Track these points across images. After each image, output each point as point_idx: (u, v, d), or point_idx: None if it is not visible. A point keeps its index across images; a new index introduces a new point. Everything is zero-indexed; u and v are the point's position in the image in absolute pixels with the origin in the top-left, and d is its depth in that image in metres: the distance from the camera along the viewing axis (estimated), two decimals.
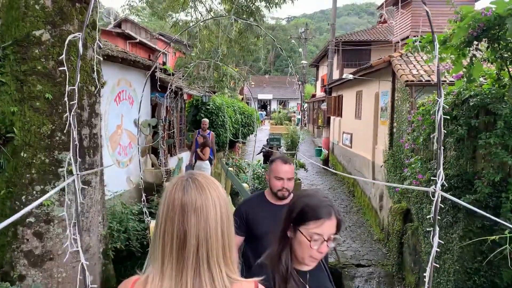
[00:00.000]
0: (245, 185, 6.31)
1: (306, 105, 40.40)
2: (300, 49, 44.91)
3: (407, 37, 16.01)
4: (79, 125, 4.92)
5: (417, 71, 9.07)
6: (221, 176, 9.40)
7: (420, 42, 5.65)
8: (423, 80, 8.65)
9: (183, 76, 9.28)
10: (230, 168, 8.05)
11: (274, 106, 61.67)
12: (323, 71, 31.01)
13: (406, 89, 8.89)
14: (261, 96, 59.08)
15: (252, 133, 16.44)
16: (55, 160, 4.76)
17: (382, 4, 19.06)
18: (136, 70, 8.74)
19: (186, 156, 12.45)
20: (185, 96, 13.26)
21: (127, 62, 7.78)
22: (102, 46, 6.08)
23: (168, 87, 7.29)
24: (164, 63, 10.43)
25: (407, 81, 8.54)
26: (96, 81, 4.93)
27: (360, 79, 13.63)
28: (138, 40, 19.25)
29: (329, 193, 15.06)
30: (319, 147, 22.09)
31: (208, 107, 12.68)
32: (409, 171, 6.14)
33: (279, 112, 44.97)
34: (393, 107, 9.92)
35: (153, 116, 9.90)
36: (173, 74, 9.94)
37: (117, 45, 10.65)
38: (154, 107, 9.95)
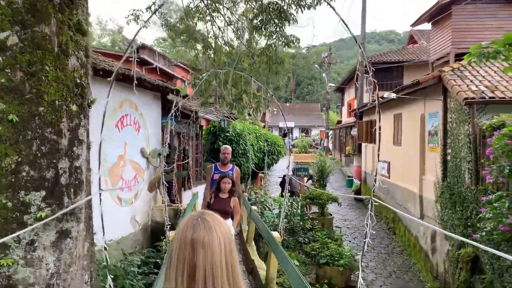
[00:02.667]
0: (275, 234, 5.00)
1: (331, 132, 39.13)
2: (324, 74, 44.04)
3: (447, 54, 14.78)
4: (54, 156, 3.82)
5: (476, 86, 7.75)
6: (244, 216, 8.14)
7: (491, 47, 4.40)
8: (487, 97, 7.32)
9: (198, 97, 8.25)
10: (253, 207, 6.82)
11: (296, 134, 60.69)
12: (349, 95, 29.82)
13: (464, 108, 7.57)
14: (282, 124, 58.42)
15: (277, 163, 15.18)
16: (20, 204, 3.60)
17: (416, 21, 17.90)
18: (144, 92, 7.72)
19: (202, 189, 11.26)
20: (203, 123, 12.21)
21: (132, 81, 6.76)
22: (90, 55, 4.98)
23: (173, 106, 6.19)
24: (176, 91, 9.43)
25: (466, 98, 7.23)
26: (80, 98, 3.82)
27: (399, 101, 12.36)
28: (154, 66, 18.51)
29: (365, 229, 13.53)
30: (349, 177, 20.64)
31: (227, 134, 11.54)
32: (490, 212, 4.75)
33: (303, 139, 43.81)
34: (445, 130, 8.57)
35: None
36: (186, 96, 8.89)
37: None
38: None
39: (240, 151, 11.80)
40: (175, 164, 8.42)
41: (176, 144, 9.03)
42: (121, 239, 6.40)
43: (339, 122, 35.90)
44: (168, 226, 6.00)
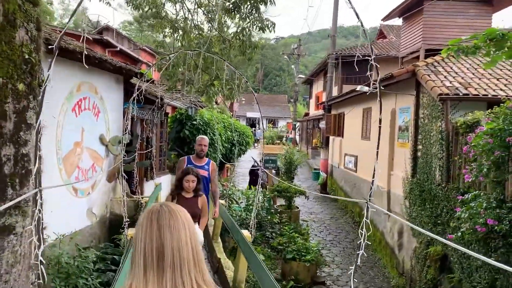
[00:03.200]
0: (245, 232, 4.67)
1: (298, 124, 39.21)
2: (293, 66, 43.98)
3: (418, 50, 14.86)
4: None
5: (450, 82, 7.70)
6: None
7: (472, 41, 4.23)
8: (460, 94, 7.27)
9: (164, 83, 7.78)
10: (221, 201, 6.47)
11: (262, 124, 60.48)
12: (317, 88, 29.84)
13: (437, 104, 7.50)
14: (250, 114, 58.19)
15: (245, 153, 14.89)
16: None
17: (387, 16, 17.93)
18: (105, 74, 7.19)
19: (166, 180, 10.81)
20: (168, 110, 11.71)
21: (91, 62, 6.24)
22: (42, 28, 4.48)
23: (135, 90, 5.72)
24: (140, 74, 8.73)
25: (440, 94, 7.15)
26: (29, 77, 3.40)
27: (369, 95, 12.30)
28: (119, 49, 17.67)
29: (331, 223, 13.52)
30: (315, 169, 20.64)
31: (194, 122, 11.10)
32: (466, 211, 4.64)
33: (270, 131, 43.72)
34: (417, 126, 8.51)
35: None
36: (152, 81, 8.42)
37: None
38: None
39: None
40: (137, 153, 7.96)
41: (138, 132, 8.56)
42: (75, 233, 5.92)
43: (306, 114, 35.97)
44: (127, 223, 5.56)
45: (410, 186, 8.51)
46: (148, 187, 9.43)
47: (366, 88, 9.47)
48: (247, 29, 5.27)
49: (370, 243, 11.33)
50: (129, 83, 8.51)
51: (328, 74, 18.64)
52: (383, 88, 8.41)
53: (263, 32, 5.53)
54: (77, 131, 6.34)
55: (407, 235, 8.82)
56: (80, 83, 6.35)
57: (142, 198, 7.96)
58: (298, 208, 12.98)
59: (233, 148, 13.53)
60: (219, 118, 12.77)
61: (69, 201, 6.13)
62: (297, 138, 38.59)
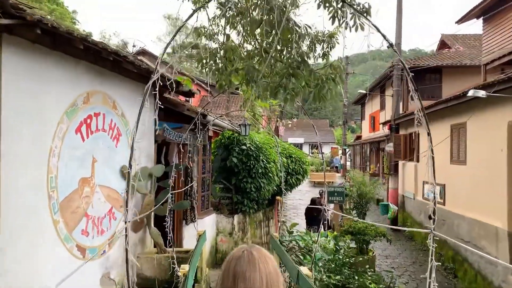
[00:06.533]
0: None
1: (348, 149, 36.57)
2: (339, 86, 41.75)
3: (509, 53, 12.36)
4: None
5: None
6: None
7: None
8: None
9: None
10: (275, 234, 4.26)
11: (305, 150, 58.39)
12: (372, 107, 27.41)
13: None
14: (291, 140, 56.31)
15: (300, 184, 12.67)
16: None
17: (463, 17, 15.56)
18: (127, 82, 5.32)
19: (210, 222, 8.74)
20: (210, 134, 9.78)
21: (103, 61, 4.36)
22: None
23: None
24: (177, 82, 6.93)
25: None
26: None
27: (458, 107, 9.92)
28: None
29: (415, 271, 10.93)
30: (378, 200, 18.01)
31: (243, 147, 9.06)
32: None
33: (315, 157, 41.33)
34: None
35: (158, 161, 6.36)
36: (192, 94, 6.50)
37: None
38: (161, 147, 6.43)
39: (260, 170, 9.28)
40: (172, 190, 5.95)
41: (175, 160, 6.59)
42: None
43: (358, 137, 33.40)
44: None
45: None
46: (188, 233, 7.39)
47: (482, 92, 7.14)
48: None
49: None
50: (162, 97, 6.62)
51: (393, 88, 16.29)
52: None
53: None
54: (84, 162, 4.41)
55: None
56: (90, 93, 4.46)
57: (182, 252, 5.90)
58: (373, 252, 10.52)
59: (289, 178, 11.36)
60: (270, 142, 10.71)
61: (71, 267, 4.15)
62: (348, 163, 35.89)
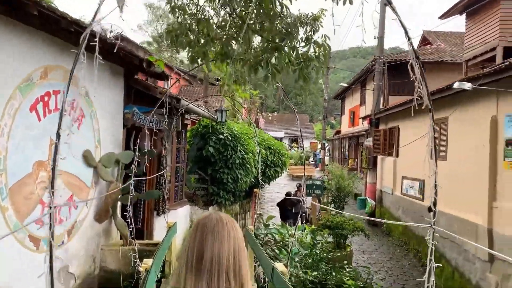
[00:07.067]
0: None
1: (327, 143, 36.57)
2: (321, 81, 41.74)
3: (492, 49, 12.33)
4: None
5: None
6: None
7: None
8: None
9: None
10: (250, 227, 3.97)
11: (285, 144, 58.46)
12: (352, 102, 27.37)
13: None
14: (271, 133, 56.26)
15: (279, 176, 12.38)
16: None
17: (446, 13, 15.47)
18: (93, 59, 4.89)
19: (184, 213, 8.37)
20: (188, 122, 9.36)
21: (66, 34, 3.94)
22: None
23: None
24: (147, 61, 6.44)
25: None
26: None
27: (440, 101, 9.77)
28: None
29: (393, 267, 10.82)
30: (356, 195, 17.91)
31: (221, 136, 8.68)
32: None
33: (295, 150, 41.28)
34: None
35: (127, 147, 5.96)
36: (166, 76, 6.11)
37: None
38: (131, 132, 6.02)
39: (237, 161, 8.93)
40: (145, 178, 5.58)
41: (147, 147, 6.18)
42: None
43: (337, 132, 33.41)
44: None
45: None
46: (160, 224, 7.00)
47: (468, 84, 6.95)
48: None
49: None
50: (134, 79, 6.22)
51: (375, 82, 16.14)
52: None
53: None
54: (40, 143, 3.99)
55: None
56: (48, 68, 4.04)
57: (150, 245, 5.53)
58: (350, 246, 10.34)
59: (267, 170, 11.05)
60: (249, 132, 10.36)
61: (23, 260, 3.75)
62: (327, 158, 35.87)
